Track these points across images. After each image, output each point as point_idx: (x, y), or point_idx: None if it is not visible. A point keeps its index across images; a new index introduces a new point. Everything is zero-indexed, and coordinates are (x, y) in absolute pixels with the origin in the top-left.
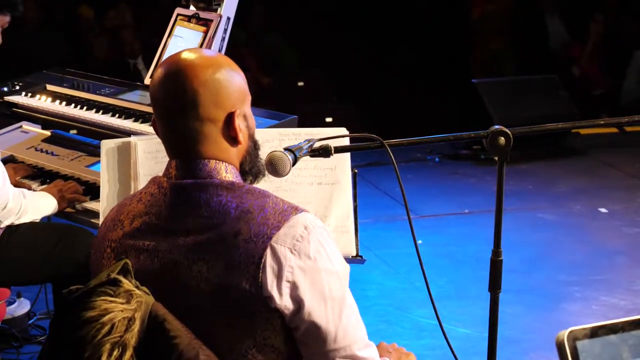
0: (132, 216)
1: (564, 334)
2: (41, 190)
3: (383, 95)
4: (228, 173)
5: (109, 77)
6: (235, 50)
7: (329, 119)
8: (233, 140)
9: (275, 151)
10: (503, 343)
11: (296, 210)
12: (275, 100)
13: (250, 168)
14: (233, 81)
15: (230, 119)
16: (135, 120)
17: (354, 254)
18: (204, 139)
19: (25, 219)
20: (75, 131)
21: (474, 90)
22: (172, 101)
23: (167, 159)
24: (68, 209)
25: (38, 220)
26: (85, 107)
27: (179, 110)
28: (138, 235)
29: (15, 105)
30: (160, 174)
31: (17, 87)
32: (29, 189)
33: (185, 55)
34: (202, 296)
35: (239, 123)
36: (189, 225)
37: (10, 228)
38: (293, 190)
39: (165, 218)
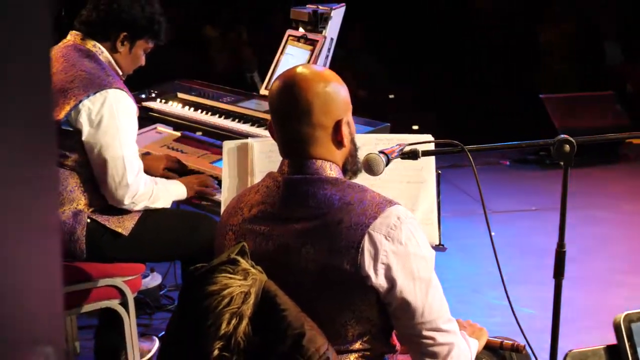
0: (251, 205)
1: (621, 316)
2: (175, 179)
3: (462, 107)
4: (332, 170)
5: (230, 87)
6: (335, 66)
7: (415, 127)
8: (339, 143)
9: (371, 153)
10: (562, 322)
11: (390, 203)
12: (370, 111)
13: (351, 167)
14: (340, 93)
15: (337, 126)
16: (252, 125)
17: (437, 243)
18: (314, 142)
19: (159, 204)
20: (200, 133)
21: (540, 104)
22: (288, 109)
23: (279, 158)
24: (195, 201)
25: (169, 207)
26: (210, 113)
27: (294, 116)
28: (255, 221)
29: (151, 109)
30: (273, 170)
31: (153, 95)
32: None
33: (300, 70)
34: (308, 275)
35: (344, 129)
36: (299, 214)
37: (147, 213)
38: (386, 187)
39: (278, 207)
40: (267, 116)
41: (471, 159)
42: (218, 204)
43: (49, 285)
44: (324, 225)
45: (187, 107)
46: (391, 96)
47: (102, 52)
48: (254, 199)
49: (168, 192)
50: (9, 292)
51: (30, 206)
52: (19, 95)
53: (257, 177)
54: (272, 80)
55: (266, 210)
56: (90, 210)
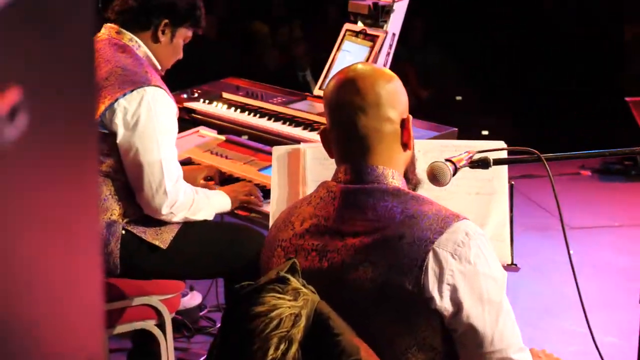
0: (302, 218)
1: None
2: (218, 189)
3: (538, 110)
4: (394, 179)
5: (280, 87)
6: (397, 65)
7: (485, 132)
8: (404, 145)
9: (436, 161)
10: None
11: (457, 217)
12: (434, 114)
13: (412, 176)
14: (403, 92)
15: (404, 124)
16: (304, 129)
17: (509, 262)
18: (379, 140)
19: (200, 215)
20: (247, 137)
21: (626, 108)
22: (355, 100)
23: (334, 166)
24: (240, 212)
25: (212, 219)
26: (257, 115)
27: (361, 108)
28: (307, 235)
29: (194, 111)
30: (327, 179)
31: (196, 94)
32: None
33: (361, 66)
34: (365, 295)
35: (410, 129)
36: (356, 227)
37: (187, 225)
38: (452, 199)
39: (333, 220)
40: (321, 119)
41: (548, 169)
42: (266, 216)
43: (89, 300)
44: (383, 240)
45: (232, 109)
46: (458, 98)
47: (139, 46)
48: (306, 211)
49: (210, 203)
50: (48, 305)
51: (72, 215)
52: (61, 93)
53: (310, 186)
54: (328, 80)
55: (319, 223)
56: (125, 220)
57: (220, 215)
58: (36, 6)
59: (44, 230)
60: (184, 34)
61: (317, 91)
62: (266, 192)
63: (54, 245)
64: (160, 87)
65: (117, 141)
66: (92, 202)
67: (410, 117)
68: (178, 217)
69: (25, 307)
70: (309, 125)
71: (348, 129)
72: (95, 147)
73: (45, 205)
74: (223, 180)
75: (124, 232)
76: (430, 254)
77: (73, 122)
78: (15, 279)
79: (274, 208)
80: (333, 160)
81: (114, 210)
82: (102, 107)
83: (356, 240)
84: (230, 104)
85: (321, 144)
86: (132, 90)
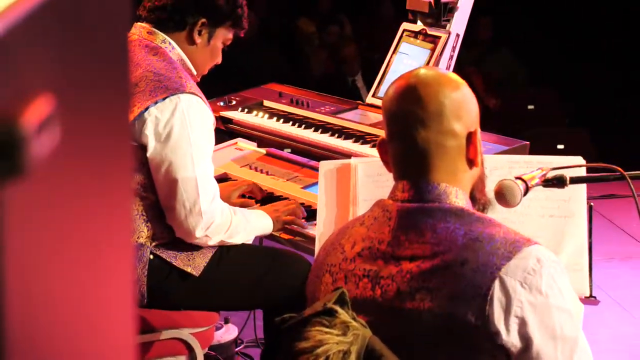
0: (354, 240)
1: None
2: (259, 209)
3: (621, 123)
4: (458, 198)
5: (327, 93)
6: (460, 69)
7: (560, 146)
8: (470, 162)
9: (505, 179)
10: None
11: (528, 242)
12: (503, 125)
13: (480, 196)
14: (472, 101)
15: (470, 138)
16: (355, 141)
17: (587, 295)
18: (441, 155)
19: (238, 239)
20: (290, 150)
21: None
22: (414, 110)
23: (389, 183)
24: (282, 234)
25: (250, 242)
26: (303, 126)
27: (420, 120)
28: (359, 260)
29: (231, 121)
30: (383, 198)
31: (234, 103)
32: (248, 207)
33: (424, 71)
34: (423, 327)
35: (478, 144)
36: (414, 251)
37: (222, 249)
38: (522, 222)
39: (388, 243)
40: (374, 130)
41: (632, 189)
42: (311, 239)
43: (120, 334)
44: (444, 266)
45: (274, 118)
46: (530, 107)
47: (172, 48)
48: (358, 233)
49: (249, 225)
50: (75, 341)
51: (104, 237)
52: (95, 102)
53: (361, 207)
54: (382, 86)
55: (373, 246)
56: (154, 244)
57: (259, 239)
58: (70, 3)
59: (74, 254)
60: (224, 35)
61: (370, 99)
62: (311, 213)
63: (84, 269)
64: (196, 95)
65: (148, 155)
66: (125, 224)
67: (479, 130)
68: (213, 241)
69: (52, 341)
70: (360, 137)
71: (407, 142)
72: (131, 163)
73: (76, 226)
74: (263, 198)
75: (151, 256)
76: (497, 282)
77: (107, 133)
78: (39, 313)
79: (320, 230)
80: (388, 177)
81: (141, 232)
82: (130, 117)
83: (413, 265)
84: (272, 113)
85: (374, 159)
86: (164, 98)
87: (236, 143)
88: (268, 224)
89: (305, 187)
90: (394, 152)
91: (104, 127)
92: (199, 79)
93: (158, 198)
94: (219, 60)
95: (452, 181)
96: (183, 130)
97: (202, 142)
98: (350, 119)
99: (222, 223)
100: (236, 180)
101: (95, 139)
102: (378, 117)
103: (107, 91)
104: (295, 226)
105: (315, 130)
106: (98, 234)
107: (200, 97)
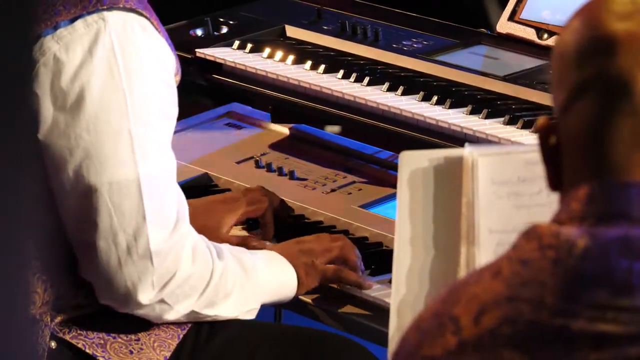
0: (479, 307)
1: None
2: (270, 248)
3: None
4: None
5: (416, 12)
6: None
7: None
8: None
9: None
10: None
11: None
12: None
13: None
14: None
15: None
16: (472, 112)
17: None
18: None
19: (227, 309)
20: (339, 128)
21: None
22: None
23: (540, 199)
24: (320, 300)
25: (253, 318)
26: (366, 79)
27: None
28: (492, 343)
29: (220, 67)
30: (536, 222)
31: (224, 30)
32: (261, 248)
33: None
34: None
35: None
36: (608, 323)
37: (199, 330)
38: None
39: (553, 308)
40: (516, 91)
41: None
42: (381, 309)
43: None
44: None
45: (308, 63)
46: None
47: None
48: (488, 293)
49: (251, 280)
50: None
51: None
52: None
53: (485, 244)
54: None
55: (520, 315)
56: (57, 320)
57: (274, 309)
58: None
59: None
60: None
61: (505, 24)
62: (380, 258)
63: None
64: (140, 12)
65: (39, 136)
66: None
67: None
68: (177, 312)
69: None
70: (490, 106)
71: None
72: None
73: None
74: (282, 227)
75: (53, 344)
76: None
77: None
78: None
79: (401, 292)
80: (541, 186)
81: (31, 295)
82: None
83: (604, 350)
84: (304, 51)
85: (517, 150)
86: (74, 19)
87: (229, 113)
88: (289, 280)
89: (366, 206)
90: (576, 134)
91: None
92: None
93: (63, 228)
94: None
95: None
96: (111, 86)
97: (150, 109)
98: (468, 66)
99: (194, 275)
100: (229, 190)
101: None
102: (532, 62)
103: None
104: (347, 285)
105: (393, 89)
106: None
107: (149, 18)
